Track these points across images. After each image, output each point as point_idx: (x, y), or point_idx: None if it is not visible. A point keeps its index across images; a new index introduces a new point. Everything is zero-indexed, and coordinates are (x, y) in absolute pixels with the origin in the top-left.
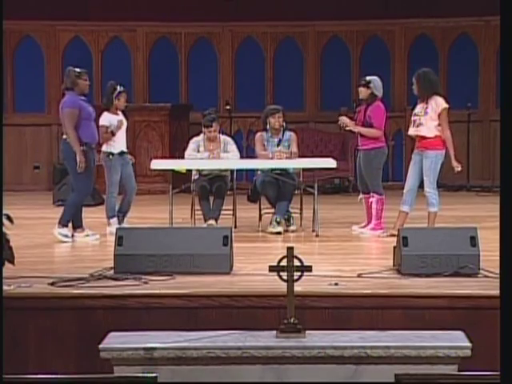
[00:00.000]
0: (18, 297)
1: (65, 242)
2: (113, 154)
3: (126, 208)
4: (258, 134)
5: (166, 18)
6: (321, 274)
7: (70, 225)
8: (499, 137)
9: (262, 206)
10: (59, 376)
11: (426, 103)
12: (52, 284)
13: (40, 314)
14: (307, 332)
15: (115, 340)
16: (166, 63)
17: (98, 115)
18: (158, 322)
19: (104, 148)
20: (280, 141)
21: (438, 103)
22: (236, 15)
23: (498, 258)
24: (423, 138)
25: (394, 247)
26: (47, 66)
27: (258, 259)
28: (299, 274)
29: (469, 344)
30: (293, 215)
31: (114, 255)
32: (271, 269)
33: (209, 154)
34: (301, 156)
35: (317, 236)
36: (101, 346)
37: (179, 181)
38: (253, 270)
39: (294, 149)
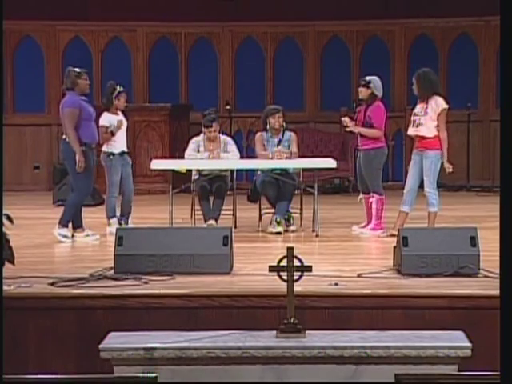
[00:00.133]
0: (18, 297)
1: (64, 242)
2: (113, 154)
3: (127, 209)
4: (258, 134)
5: (166, 18)
6: (321, 274)
7: (70, 225)
8: (499, 137)
9: (262, 206)
10: (59, 376)
11: (426, 103)
12: (52, 284)
13: (40, 313)
14: (307, 332)
15: (115, 340)
16: (166, 63)
17: (98, 115)
18: (158, 322)
19: (105, 148)
20: (280, 141)
21: (438, 103)
22: (236, 15)
23: (498, 258)
24: (423, 138)
25: (394, 247)
26: (47, 66)
27: (258, 259)
28: (299, 274)
29: (469, 344)
30: (293, 215)
31: (114, 255)
32: (271, 269)
33: (209, 154)
34: (301, 156)
35: (317, 236)
36: (101, 346)
37: (179, 181)
38: (253, 270)
39: (294, 149)
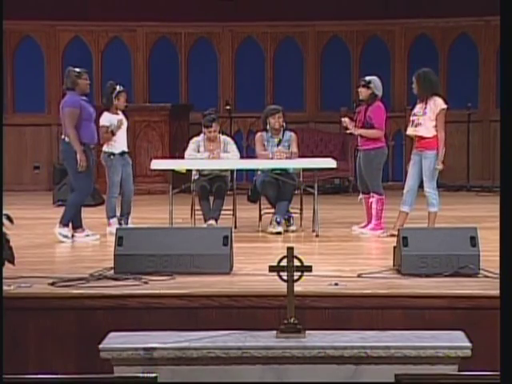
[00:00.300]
0: (18, 297)
1: (64, 242)
2: (114, 154)
3: (127, 210)
4: (258, 134)
5: (166, 18)
6: (321, 274)
7: (70, 225)
8: (499, 137)
9: (262, 206)
10: (59, 376)
11: (425, 103)
12: (52, 284)
13: (40, 314)
14: (307, 332)
15: (115, 340)
16: (166, 63)
17: (98, 115)
18: (158, 322)
19: (105, 148)
20: (280, 141)
21: (437, 104)
22: (236, 15)
23: (498, 258)
24: (422, 138)
25: (394, 247)
26: (47, 65)
27: (258, 259)
28: (299, 274)
29: (469, 344)
30: (293, 215)
31: (114, 255)
32: (271, 269)
33: (209, 154)
34: (301, 156)
35: (317, 236)
36: (101, 346)
37: (179, 181)
38: (253, 270)
39: (294, 149)
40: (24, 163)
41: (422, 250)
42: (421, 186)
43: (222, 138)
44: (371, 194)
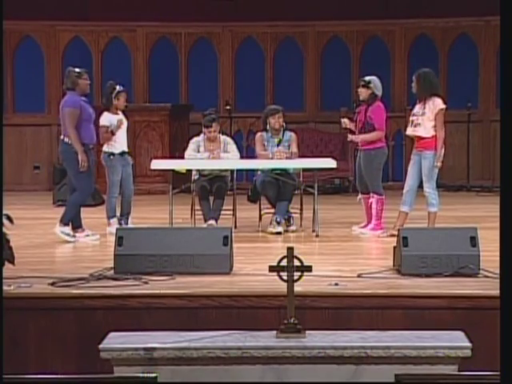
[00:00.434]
0: (18, 297)
1: (68, 240)
2: (114, 155)
3: (126, 210)
4: (258, 134)
5: (166, 18)
6: (321, 274)
7: (70, 225)
8: (499, 137)
9: (262, 206)
10: (59, 376)
11: (424, 103)
12: (52, 284)
13: (40, 314)
14: (307, 332)
15: (115, 340)
16: (166, 63)
17: (98, 115)
18: (158, 322)
19: (105, 148)
20: (280, 141)
21: (436, 104)
22: (236, 15)
23: (498, 258)
24: (421, 138)
25: (394, 247)
26: (47, 66)
27: (258, 259)
28: (299, 274)
29: (469, 344)
30: (293, 215)
31: (114, 255)
32: (271, 269)
33: (209, 154)
34: (301, 156)
35: (317, 236)
36: (101, 346)
37: (179, 181)
38: (253, 270)
39: (294, 149)
40: (24, 163)
41: (421, 250)
42: (420, 186)
43: (222, 138)
44: (371, 194)
